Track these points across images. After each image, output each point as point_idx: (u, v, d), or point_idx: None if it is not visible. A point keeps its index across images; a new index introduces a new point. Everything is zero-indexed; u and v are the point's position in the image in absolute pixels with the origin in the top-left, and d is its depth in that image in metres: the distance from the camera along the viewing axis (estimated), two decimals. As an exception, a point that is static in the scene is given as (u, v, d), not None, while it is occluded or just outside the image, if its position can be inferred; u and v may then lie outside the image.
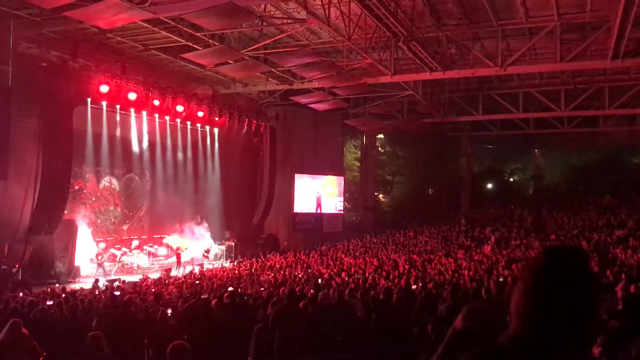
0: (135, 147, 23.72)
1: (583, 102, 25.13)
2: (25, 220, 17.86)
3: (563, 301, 1.51)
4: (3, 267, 16.99)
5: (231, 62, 20.75)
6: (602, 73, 22.88)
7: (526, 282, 1.58)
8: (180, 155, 25.53)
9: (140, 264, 22.82)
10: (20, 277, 17.12)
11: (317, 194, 31.39)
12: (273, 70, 21.56)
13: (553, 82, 24.70)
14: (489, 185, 41.50)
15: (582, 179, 36.92)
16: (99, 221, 22.98)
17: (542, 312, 1.52)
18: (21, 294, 13.93)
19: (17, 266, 17.36)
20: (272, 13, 17.01)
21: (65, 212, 19.42)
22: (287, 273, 17.90)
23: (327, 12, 15.55)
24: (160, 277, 19.13)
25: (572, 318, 1.51)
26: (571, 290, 1.52)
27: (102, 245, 22.15)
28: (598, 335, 1.44)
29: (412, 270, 17.01)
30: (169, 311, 9.22)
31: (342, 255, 23.31)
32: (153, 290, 14.08)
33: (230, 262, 23.64)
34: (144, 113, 22.76)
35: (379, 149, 38.20)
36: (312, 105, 27.57)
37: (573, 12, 16.95)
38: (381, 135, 37.58)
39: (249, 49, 18.90)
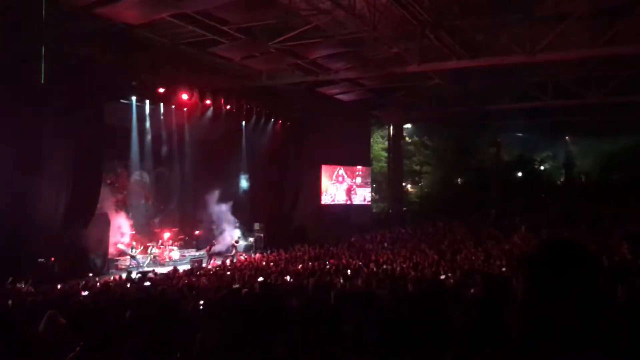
0: (164, 141, 24.06)
1: (615, 87, 24.54)
2: (61, 215, 18.27)
3: (556, 292, 1.53)
4: (40, 260, 17.42)
5: (258, 55, 20.81)
6: (635, 57, 22.24)
7: (525, 273, 1.61)
8: (209, 148, 25.75)
9: (172, 256, 23.16)
10: (56, 270, 17.54)
11: (347, 185, 31.37)
12: (299, 62, 21.55)
13: (584, 69, 24.13)
14: (519, 174, 40.91)
15: (615, 166, 36.11)
16: (130, 215, 23.34)
17: (536, 302, 1.55)
18: (58, 286, 14.30)
19: (53, 259, 17.79)
20: (297, 4, 16.97)
21: (98, 206, 19.81)
22: (315, 264, 17.95)
23: (352, 2, 15.46)
24: (191, 268, 19.39)
25: (564, 308, 1.52)
26: (564, 283, 1.54)
27: (135, 237, 22.53)
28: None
29: (441, 260, 16.90)
30: (201, 302, 9.34)
31: (371, 246, 23.27)
32: (185, 281, 14.26)
33: (260, 253, 23.82)
34: (173, 107, 23.07)
35: (407, 139, 37.95)
36: (338, 97, 27.56)
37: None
38: (408, 125, 37.36)
39: (275, 41, 18.91)
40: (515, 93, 27.27)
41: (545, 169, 42.32)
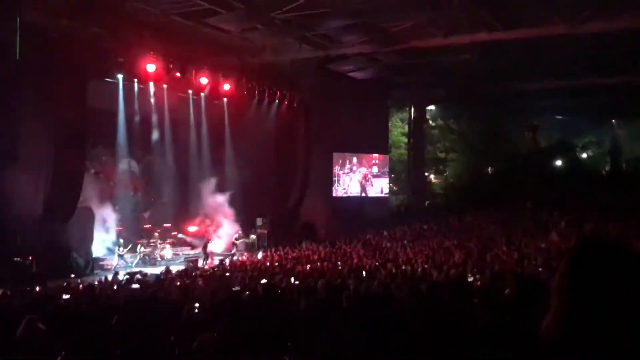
0: (155, 125, 24.11)
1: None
2: (39, 208, 18.40)
3: (595, 295, 1.56)
4: (15, 259, 17.55)
5: (260, 26, 20.78)
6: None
7: (561, 274, 1.65)
8: (205, 133, 25.81)
9: (164, 254, 23.26)
10: (34, 270, 17.68)
11: (361, 175, 31.37)
12: (307, 34, 21.49)
13: (633, 41, 23.86)
14: (559, 163, 40.70)
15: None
16: (117, 208, 23.47)
17: (572, 305, 1.59)
18: (37, 288, 14.43)
19: (30, 258, 17.92)
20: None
21: (81, 199, 19.92)
22: (325, 264, 18.01)
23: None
24: (186, 269, 19.50)
25: (603, 313, 1.56)
26: (603, 285, 1.56)
27: (122, 234, 22.66)
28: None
29: (468, 260, 16.90)
30: (197, 305, 9.41)
31: (388, 244, 23.30)
32: (178, 283, 14.36)
33: (263, 251, 23.90)
34: (165, 87, 23.09)
35: (430, 122, 37.82)
36: (351, 74, 27.49)
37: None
38: (432, 107, 37.20)
39: (279, 11, 18.85)
40: (554, 70, 27.04)
41: (588, 156, 42.05)
